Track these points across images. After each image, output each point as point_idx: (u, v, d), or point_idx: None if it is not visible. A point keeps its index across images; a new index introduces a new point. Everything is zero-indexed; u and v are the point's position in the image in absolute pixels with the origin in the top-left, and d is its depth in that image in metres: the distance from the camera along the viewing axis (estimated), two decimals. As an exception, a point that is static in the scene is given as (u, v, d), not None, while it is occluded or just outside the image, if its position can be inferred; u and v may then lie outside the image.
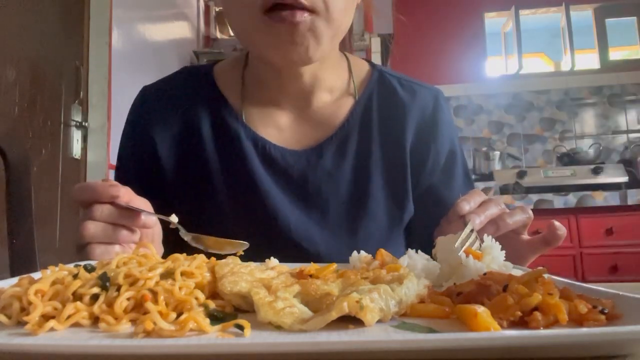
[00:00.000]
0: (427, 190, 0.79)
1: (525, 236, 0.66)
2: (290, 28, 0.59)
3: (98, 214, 0.54)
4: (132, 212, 0.55)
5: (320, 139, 0.75)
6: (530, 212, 0.63)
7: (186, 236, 0.59)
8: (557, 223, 0.62)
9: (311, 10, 0.59)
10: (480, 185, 2.82)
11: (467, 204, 0.59)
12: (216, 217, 0.72)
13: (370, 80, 0.79)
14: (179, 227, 0.59)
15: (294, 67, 0.68)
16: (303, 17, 0.58)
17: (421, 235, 0.78)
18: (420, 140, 0.77)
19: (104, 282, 0.36)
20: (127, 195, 0.55)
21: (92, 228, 0.54)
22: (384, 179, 0.75)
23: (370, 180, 0.75)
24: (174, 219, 0.59)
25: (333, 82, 0.76)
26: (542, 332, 0.30)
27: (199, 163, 0.74)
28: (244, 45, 0.69)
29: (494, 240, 0.52)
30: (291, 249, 0.70)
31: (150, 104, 0.77)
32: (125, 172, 0.77)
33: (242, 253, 0.58)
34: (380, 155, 0.76)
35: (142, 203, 0.58)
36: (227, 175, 0.73)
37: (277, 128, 0.75)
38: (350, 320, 0.32)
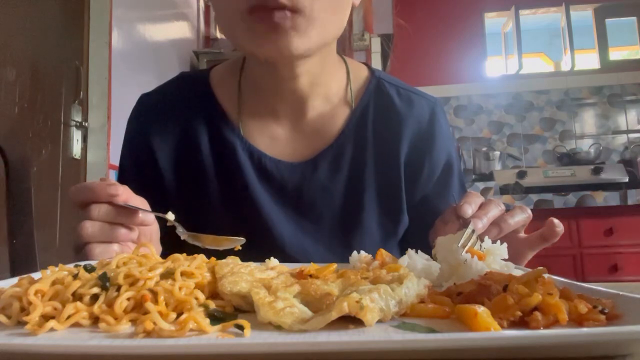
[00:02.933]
0: (421, 201, 0.78)
1: (523, 234, 0.66)
2: (269, 27, 0.58)
3: (95, 213, 0.54)
4: (130, 210, 0.55)
5: (315, 151, 0.74)
6: (529, 212, 0.64)
7: (183, 235, 0.59)
8: (555, 220, 0.62)
9: (293, 10, 0.58)
10: (480, 185, 2.82)
11: (469, 207, 0.58)
12: (212, 228, 0.71)
13: (367, 88, 0.78)
14: (176, 224, 0.59)
15: (282, 61, 0.66)
16: (283, 15, 0.57)
17: (416, 244, 0.78)
18: (415, 152, 0.77)
19: (104, 282, 0.36)
20: (125, 194, 0.55)
21: (90, 227, 0.54)
22: (378, 192, 0.75)
23: (364, 193, 0.74)
24: (170, 216, 0.59)
25: (329, 88, 0.75)
26: (542, 332, 0.30)
27: (196, 174, 0.74)
28: (231, 42, 0.68)
29: (499, 242, 0.52)
30: (285, 262, 0.70)
31: (149, 113, 0.77)
32: (127, 181, 0.76)
33: (240, 247, 0.58)
34: (374, 168, 0.75)
35: (140, 201, 0.58)
36: (223, 187, 0.73)
37: (273, 139, 0.75)
38: (350, 320, 0.32)
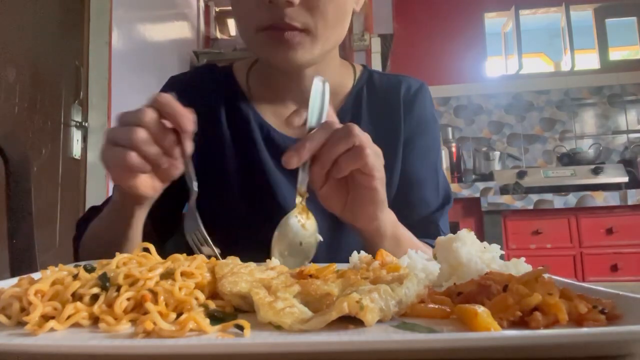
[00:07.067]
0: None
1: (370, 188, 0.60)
2: (280, 42, 0.69)
3: (147, 117, 0.54)
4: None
5: None
6: (356, 138, 0.55)
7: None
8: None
9: (301, 30, 0.68)
10: (480, 185, 2.81)
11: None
12: (225, 191, 0.81)
13: (361, 77, 0.90)
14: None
15: (289, 68, 0.76)
16: (293, 34, 0.67)
17: None
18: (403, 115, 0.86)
19: (104, 282, 0.36)
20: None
21: (140, 132, 0.53)
22: None
23: None
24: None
25: (330, 82, 0.82)
26: (542, 332, 0.30)
27: (214, 142, 0.83)
28: (247, 47, 0.78)
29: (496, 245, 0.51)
30: None
31: (175, 88, 0.86)
32: None
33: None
34: (371, 135, 0.77)
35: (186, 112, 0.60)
36: (237, 154, 0.83)
37: (281, 117, 0.85)
38: (350, 320, 0.32)
